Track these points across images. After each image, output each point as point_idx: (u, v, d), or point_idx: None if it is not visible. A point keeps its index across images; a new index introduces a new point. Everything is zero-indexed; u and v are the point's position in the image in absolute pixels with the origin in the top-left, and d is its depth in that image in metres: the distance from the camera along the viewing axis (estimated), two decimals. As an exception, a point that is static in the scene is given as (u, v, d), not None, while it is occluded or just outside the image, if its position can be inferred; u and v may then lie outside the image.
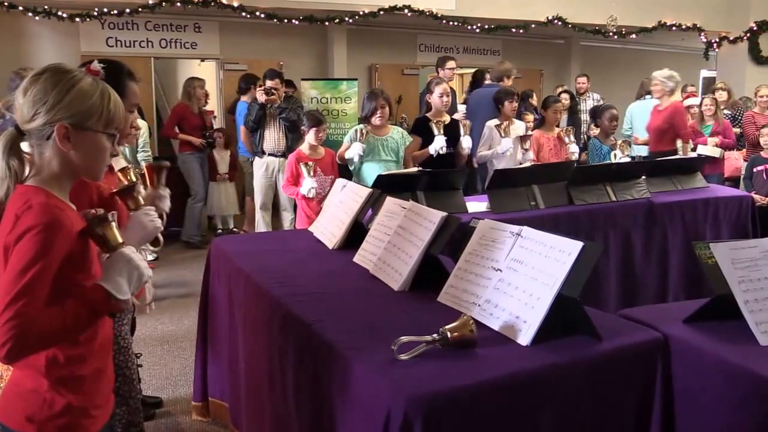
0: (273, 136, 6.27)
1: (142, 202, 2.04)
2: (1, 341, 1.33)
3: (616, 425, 1.77)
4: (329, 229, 2.98)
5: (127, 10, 7.58)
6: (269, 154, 6.28)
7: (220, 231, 7.45)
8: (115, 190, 2.07)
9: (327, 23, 8.61)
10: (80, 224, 1.53)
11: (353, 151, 4.49)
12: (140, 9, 7.56)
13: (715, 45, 10.86)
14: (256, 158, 6.37)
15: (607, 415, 1.75)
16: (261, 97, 6.13)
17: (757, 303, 1.83)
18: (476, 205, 3.93)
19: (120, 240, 1.55)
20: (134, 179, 3.14)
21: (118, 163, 3.11)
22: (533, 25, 9.40)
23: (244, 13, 7.86)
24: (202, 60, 9.62)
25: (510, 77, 6.56)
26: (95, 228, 1.52)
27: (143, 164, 5.32)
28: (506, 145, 4.92)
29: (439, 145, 4.66)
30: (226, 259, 2.83)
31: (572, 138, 5.19)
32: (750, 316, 1.81)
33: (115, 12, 7.61)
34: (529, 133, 5.28)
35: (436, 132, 4.69)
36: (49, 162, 1.52)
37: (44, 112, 1.49)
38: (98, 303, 1.47)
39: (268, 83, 6.19)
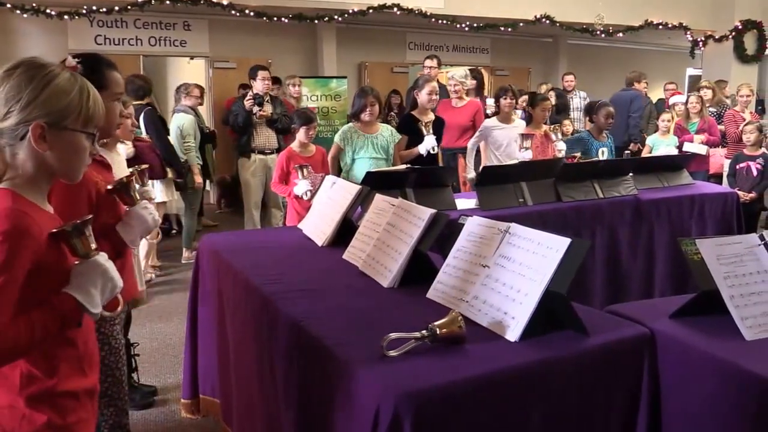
0: (263, 135, 6.26)
1: (138, 197, 2.04)
2: None
3: (604, 420, 1.78)
4: (319, 226, 2.98)
5: (116, 8, 7.56)
6: (259, 152, 6.26)
7: (174, 231, 7.42)
8: (109, 187, 2.05)
9: (316, 21, 8.61)
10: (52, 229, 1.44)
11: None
12: (129, 7, 7.54)
13: (701, 44, 10.93)
14: (243, 158, 6.34)
15: (595, 410, 1.76)
16: (251, 106, 6.12)
17: (743, 298, 1.85)
18: (465, 201, 3.95)
19: (93, 247, 1.47)
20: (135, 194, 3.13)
21: (115, 159, 3.10)
22: (521, 24, 9.45)
23: (233, 11, 7.86)
24: (192, 58, 9.60)
25: (640, 81, 8.24)
26: (70, 237, 1.44)
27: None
28: (430, 142, 4.72)
29: (429, 144, 4.67)
30: (216, 255, 2.83)
31: (559, 136, 5.21)
32: (735, 311, 1.83)
33: (104, 10, 7.58)
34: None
35: (425, 132, 4.70)
36: (23, 163, 1.42)
37: (18, 110, 1.39)
38: (68, 313, 1.39)
39: (260, 75, 6.21)
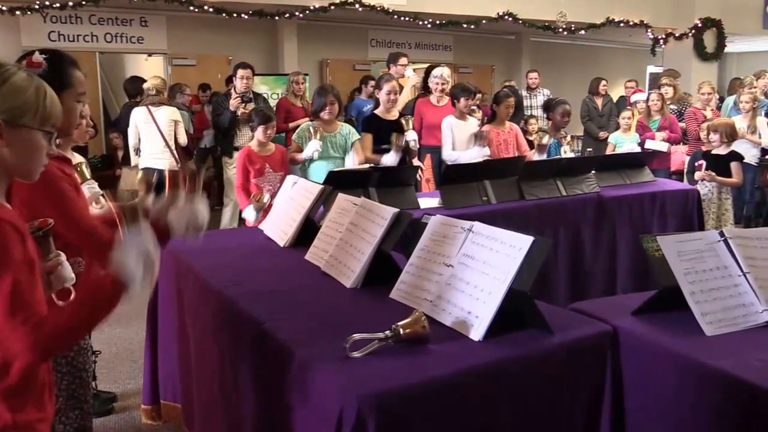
0: (245, 135, 6.18)
1: (53, 250, 1.88)
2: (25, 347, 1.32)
3: (568, 418, 1.79)
4: (280, 226, 2.94)
5: (70, 3, 7.37)
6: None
7: None
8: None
9: (277, 18, 8.52)
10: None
11: (310, 150, 4.45)
12: (84, 2, 7.36)
13: (661, 41, 11.12)
14: (226, 158, 6.30)
15: (559, 408, 1.76)
16: (237, 107, 6.04)
17: (703, 294, 1.87)
18: (428, 200, 3.94)
19: (53, 251, 1.49)
20: (87, 176, 3.06)
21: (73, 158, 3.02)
22: (484, 21, 9.48)
23: (192, 7, 7.73)
24: (149, 55, 9.43)
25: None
26: (40, 239, 1.47)
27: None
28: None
29: (390, 161, 4.69)
30: (175, 257, 2.77)
31: (545, 140, 5.24)
32: (696, 307, 1.85)
33: (58, 5, 7.38)
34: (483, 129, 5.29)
35: (405, 128, 4.77)
36: None
37: None
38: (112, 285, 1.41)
39: (240, 72, 6.16)
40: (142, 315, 3.04)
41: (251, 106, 6.11)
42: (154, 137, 6.06)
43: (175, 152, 6.07)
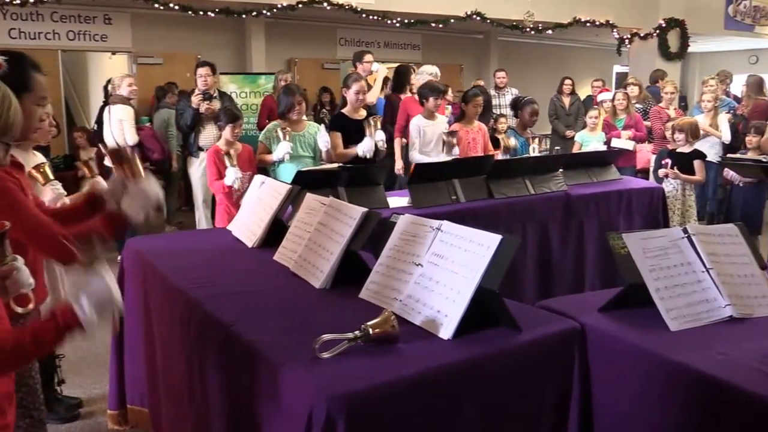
0: (210, 133, 6.09)
1: (9, 254, 1.83)
2: None
3: (537, 414, 1.80)
4: (248, 226, 2.91)
5: (31, 0, 7.20)
6: (206, 150, 6.13)
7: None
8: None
9: (244, 16, 8.44)
10: None
11: (281, 151, 4.42)
12: (45, -1, 7.20)
13: (627, 41, 11.27)
14: (191, 157, 6.21)
15: (529, 405, 1.78)
16: (199, 104, 5.96)
17: (667, 290, 1.90)
18: (398, 200, 3.94)
19: (9, 255, 1.46)
20: (49, 176, 2.99)
21: (30, 160, 2.96)
22: (452, 20, 9.51)
23: (157, 5, 7.61)
24: (113, 53, 9.27)
25: (663, 79, 8.39)
26: None
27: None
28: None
29: (366, 147, 4.67)
30: (141, 259, 2.73)
31: (512, 141, 5.26)
32: (661, 303, 1.87)
33: (18, 2, 7.20)
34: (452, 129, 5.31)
35: (374, 128, 4.73)
36: None
37: None
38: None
39: (199, 71, 6.06)
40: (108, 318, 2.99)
41: (216, 103, 6.04)
42: (108, 137, 6.09)
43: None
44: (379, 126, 4.91)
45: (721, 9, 12.02)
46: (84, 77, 10.33)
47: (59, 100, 8.47)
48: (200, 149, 6.02)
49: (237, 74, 8.67)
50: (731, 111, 7.62)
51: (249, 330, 1.84)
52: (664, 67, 10.57)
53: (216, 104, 6.01)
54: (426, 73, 6.29)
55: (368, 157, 4.71)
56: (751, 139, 5.90)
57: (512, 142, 5.18)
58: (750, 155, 5.68)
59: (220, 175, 4.38)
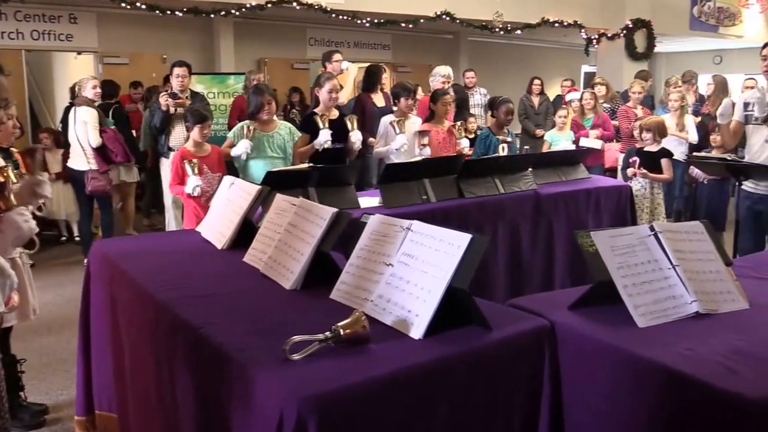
0: (180, 134, 6.03)
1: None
2: None
3: (508, 413, 1.81)
4: (217, 228, 2.88)
5: (-7, -2, 7.05)
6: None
7: (64, 238, 7.08)
8: None
9: (213, 15, 8.36)
10: None
11: (240, 149, 4.40)
12: (9, -3, 7.06)
13: (594, 41, 11.40)
14: (162, 158, 6.13)
15: (499, 404, 1.78)
16: (167, 103, 5.89)
17: (635, 287, 1.92)
18: (368, 200, 3.93)
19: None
20: (13, 179, 2.93)
21: None
22: (422, 20, 9.53)
23: (123, 4, 7.50)
24: (79, 53, 9.12)
25: (646, 79, 8.36)
26: None
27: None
28: (400, 141, 4.95)
29: (323, 138, 4.63)
30: (109, 261, 2.68)
31: (463, 133, 5.28)
32: (629, 300, 1.89)
33: (-20, 1, 7.06)
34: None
35: (321, 126, 4.66)
36: None
37: None
38: None
39: (176, 71, 6.03)
40: (75, 322, 2.94)
41: (187, 102, 5.99)
42: (73, 138, 6.03)
43: (88, 153, 5.92)
44: (356, 126, 4.90)
45: (686, 10, 12.23)
46: (49, 77, 10.15)
47: (23, 101, 8.32)
48: (170, 150, 5.96)
49: (205, 74, 8.58)
50: (695, 112, 7.76)
51: (219, 332, 1.81)
52: (630, 68, 10.74)
53: (186, 100, 5.96)
54: (439, 75, 6.31)
55: (327, 146, 4.67)
56: (715, 138, 6.02)
57: (463, 142, 5.24)
58: (714, 153, 5.79)
59: (181, 180, 4.32)
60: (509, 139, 5.52)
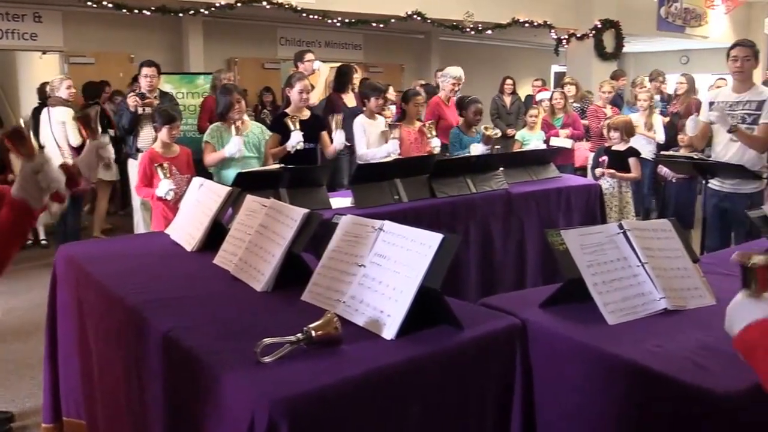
0: (148, 135, 5.95)
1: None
2: None
3: (480, 412, 1.81)
4: (187, 230, 2.85)
5: (-45, -3, 6.90)
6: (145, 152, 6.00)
7: (30, 242, 6.95)
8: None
9: (181, 14, 8.27)
10: None
11: (233, 148, 4.32)
12: (-30, -4, 6.91)
13: (564, 41, 11.51)
14: (130, 159, 6.04)
15: (472, 403, 1.78)
16: (134, 103, 5.81)
17: (605, 285, 1.94)
18: (340, 200, 3.92)
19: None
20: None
21: None
22: (393, 20, 9.53)
23: (89, 3, 7.38)
24: (44, 53, 8.96)
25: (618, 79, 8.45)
26: None
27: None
28: (392, 147, 4.92)
29: (295, 140, 4.60)
30: (75, 265, 2.64)
31: (434, 132, 5.29)
32: (599, 298, 1.91)
33: (-60, -1, 6.89)
34: (388, 128, 5.33)
35: (291, 128, 4.62)
36: None
37: None
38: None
39: (144, 71, 5.94)
40: (41, 329, 2.89)
41: (155, 102, 5.92)
42: (49, 139, 5.92)
43: (66, 154, 5.85)
44: (341, 126, 4.88)
45: (653, 11, 12.41)
46: (13, 77, 9.95)
47: (-14, 102, 8.14)
48: (139, 151, 5.89)
49: (173, 74, 8.47)
50: (662, 112, 7.86)
51: (188, 336, 1.79)
52: (599, 67, 10.87)
53: (155, 100, 5.89)
54: (450, 76, 6.29)
55: (299, 148, 4.63)
56: (683, 137, 6.11)
57: (491, 131, 5.29)
58: (682, 152, 5.88)
59: (149, 182, 4.26)
60: (497, 132, 5.57)
